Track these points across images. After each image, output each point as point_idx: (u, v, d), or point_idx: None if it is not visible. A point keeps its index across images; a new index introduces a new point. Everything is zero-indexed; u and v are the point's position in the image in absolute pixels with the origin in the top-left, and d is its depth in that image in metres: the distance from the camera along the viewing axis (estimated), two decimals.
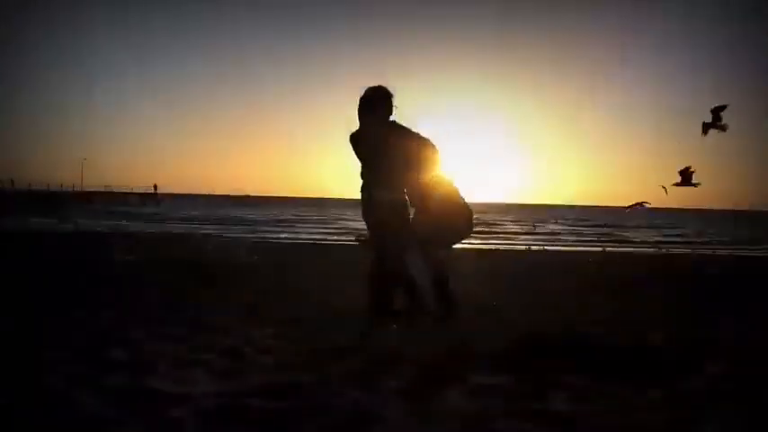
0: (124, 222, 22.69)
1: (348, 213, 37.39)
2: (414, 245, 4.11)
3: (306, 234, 21.45)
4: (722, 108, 4.55)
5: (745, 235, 28.02)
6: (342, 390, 2.52)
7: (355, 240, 4.57)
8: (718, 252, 15.04)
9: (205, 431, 2.13)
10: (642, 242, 20.76)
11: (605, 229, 30.65)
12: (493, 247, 15.89)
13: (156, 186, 68.00)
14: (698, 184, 5.16)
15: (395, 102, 4.15)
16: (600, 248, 15.47)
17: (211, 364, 2.94)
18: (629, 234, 27.23)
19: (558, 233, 27.69)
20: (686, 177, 5.14)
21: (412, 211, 4.24)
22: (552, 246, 17.87)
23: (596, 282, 6.82)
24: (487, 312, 4.52)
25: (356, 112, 4.14)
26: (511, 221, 37.99)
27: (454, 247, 4.43)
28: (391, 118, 4.17)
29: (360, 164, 4.20)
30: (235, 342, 3.39)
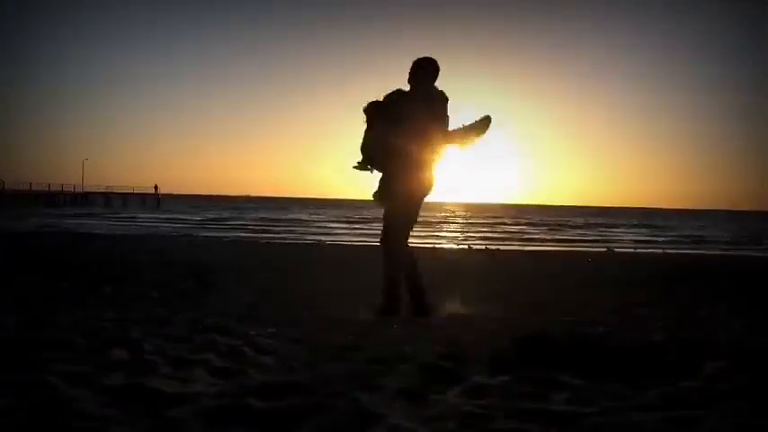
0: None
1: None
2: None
3: None
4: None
5: None
6: (342, 390, 2.52)
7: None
8: None
9: (205, 431, 2.13)
10: None
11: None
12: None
13: (156, 187, 67.97)
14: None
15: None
16: None
17: (211, 364, 2.93)
18: None
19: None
20: None
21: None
22: None
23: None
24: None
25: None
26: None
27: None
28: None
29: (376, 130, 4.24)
30: (235, 342, 3.39)
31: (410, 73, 4.26)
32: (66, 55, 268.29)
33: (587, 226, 38.96)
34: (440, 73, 4.26)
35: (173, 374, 2.75)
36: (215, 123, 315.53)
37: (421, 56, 4.27)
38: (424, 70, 4.25)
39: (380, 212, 4.38)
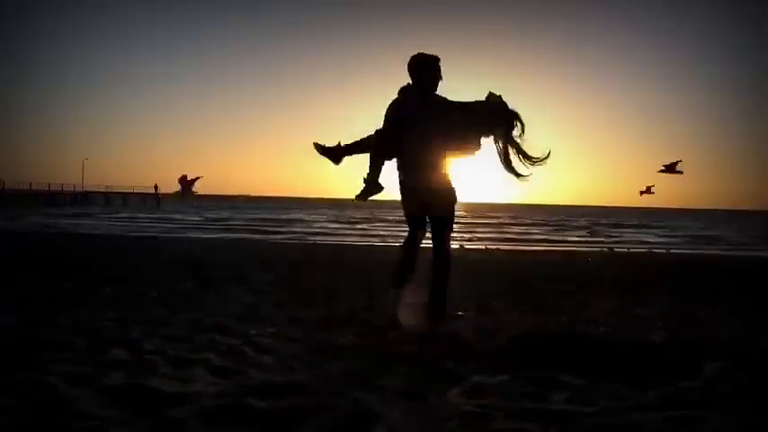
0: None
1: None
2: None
3: None
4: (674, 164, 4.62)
5: None
6: (342, 390, 2.52)
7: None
8: None
9: (205, 431, 2.13)
10: None
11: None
12: None
13: (156, 187, 67.90)
14: (681, 172, 5.40)
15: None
16: None
17: (211, 364, 2.93)
18: None
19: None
20: (671, 167, 5.39)
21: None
22: None
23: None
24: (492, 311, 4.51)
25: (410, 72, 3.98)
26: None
27: None
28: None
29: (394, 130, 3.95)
30: (235, 342, 3.39)
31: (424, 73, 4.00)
32: (67, 55, 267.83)
33: (588, 226, 38.96)
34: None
35: (173, 374, 2.75)
36: (215, 123, 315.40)
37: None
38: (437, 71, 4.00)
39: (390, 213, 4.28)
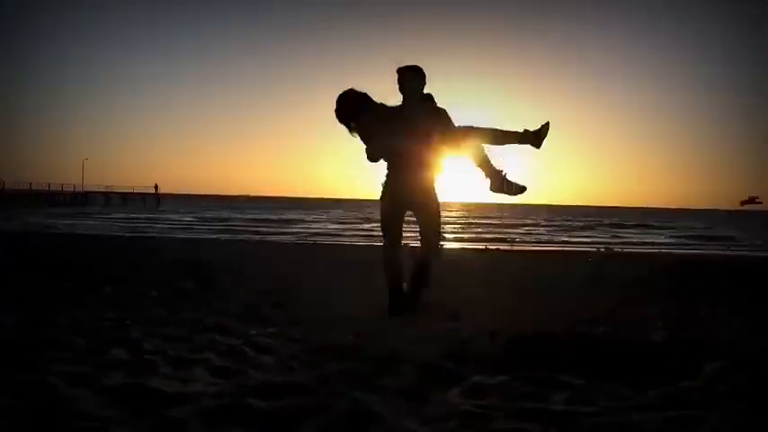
0: None
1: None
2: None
3: None
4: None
5: None
6: (342, 390, 2.52)
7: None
8: None
9: (205, 431, 2.13)
10: None
11: None
12: None
13: (156, 186, 67.88)
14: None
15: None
16: None
17: (211, 364, 2.93)
18: None
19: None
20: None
21: None
22: None
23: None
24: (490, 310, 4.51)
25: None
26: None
27: None
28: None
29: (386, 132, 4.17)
30: (235, 342, 3.39)
31: (399, 82, 4.24)
32: (67, 55, 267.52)
33: (588, 226, 38.94)
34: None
35: (173, 374, 2.75)
36: (215, 123, 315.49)
37: (406, 64, 4.24)
38: (417, 77, 4.20)
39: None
